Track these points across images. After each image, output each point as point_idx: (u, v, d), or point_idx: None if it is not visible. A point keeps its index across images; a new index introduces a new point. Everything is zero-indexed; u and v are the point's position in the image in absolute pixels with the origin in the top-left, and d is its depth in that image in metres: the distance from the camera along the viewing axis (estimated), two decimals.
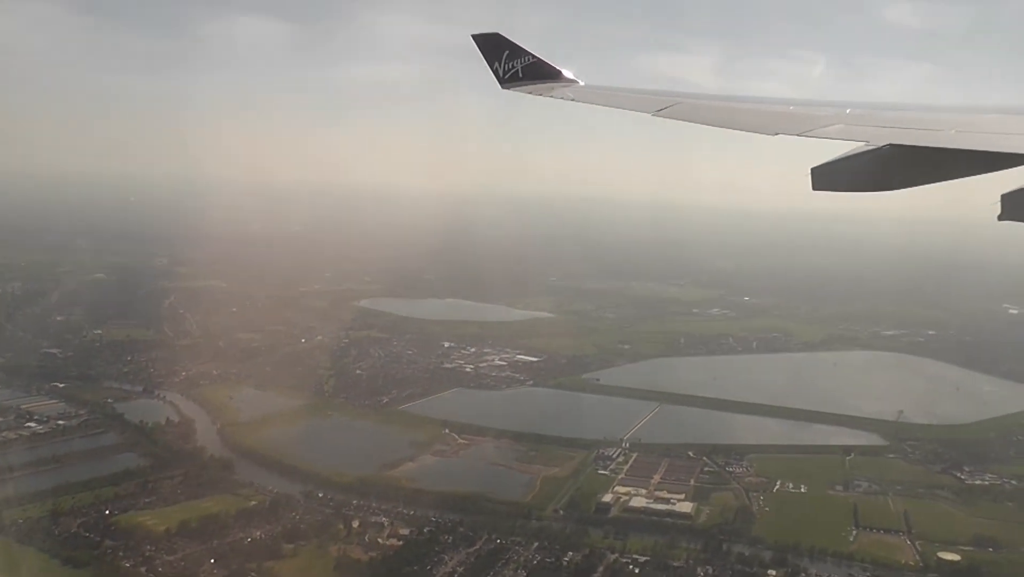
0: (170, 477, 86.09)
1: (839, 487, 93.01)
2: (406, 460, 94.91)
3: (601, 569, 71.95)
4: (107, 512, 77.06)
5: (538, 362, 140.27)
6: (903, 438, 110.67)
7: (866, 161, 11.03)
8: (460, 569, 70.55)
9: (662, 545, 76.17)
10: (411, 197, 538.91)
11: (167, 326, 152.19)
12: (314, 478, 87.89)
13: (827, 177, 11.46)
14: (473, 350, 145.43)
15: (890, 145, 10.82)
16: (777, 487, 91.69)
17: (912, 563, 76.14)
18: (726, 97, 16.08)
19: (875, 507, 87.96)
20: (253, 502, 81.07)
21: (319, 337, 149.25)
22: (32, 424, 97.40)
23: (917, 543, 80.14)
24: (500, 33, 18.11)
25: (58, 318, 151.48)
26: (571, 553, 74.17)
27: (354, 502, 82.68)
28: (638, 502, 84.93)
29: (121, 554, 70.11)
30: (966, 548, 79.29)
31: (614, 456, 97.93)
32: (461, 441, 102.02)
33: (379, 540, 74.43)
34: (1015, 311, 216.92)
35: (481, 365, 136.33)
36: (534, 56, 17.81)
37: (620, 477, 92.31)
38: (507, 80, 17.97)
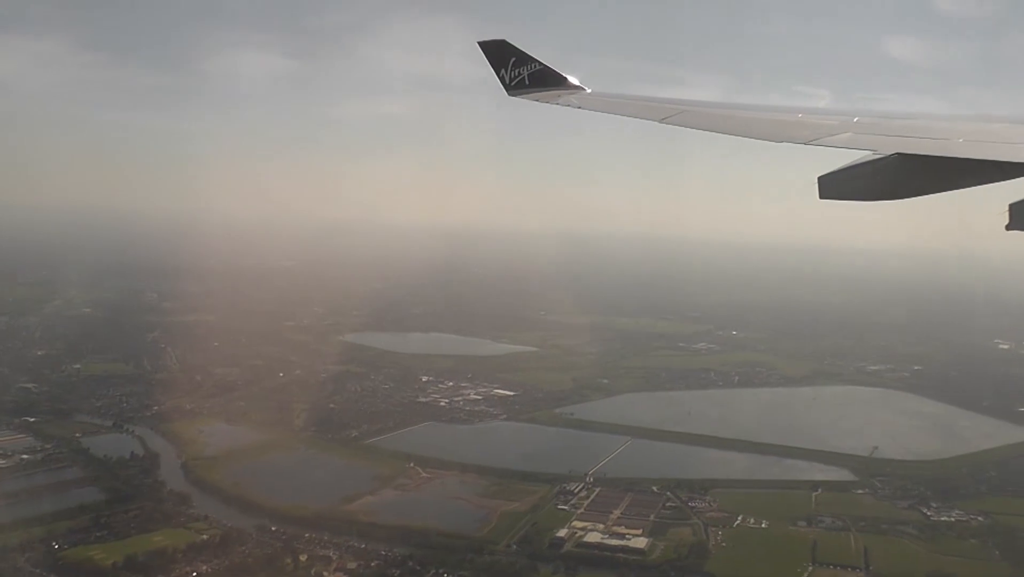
0: (125, 511, 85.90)
1: (802, 523, 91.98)
2: (366, 494, 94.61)
3: None
4: (56, 546, 76.94)
5: (514, 396, 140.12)
6: (873, 474, 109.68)
7: (874, 170, 11.06)
8: None
9: None
10: (410, 231, 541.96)
11: (147, 360, 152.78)
12: (270, 512, 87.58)
13: (834, 186, 11.50)
14: (450, 384, 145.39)
15: (898, 154, 10.83)
16: (738, 522, 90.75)
17: None
18: (733, 105, 16.17)
19: (835, 543, 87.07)
20: (204, 536, 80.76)
21: (297, 372, 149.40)
22: None
23: None
24: (506, 40, 18.17)
25: (38, 352, 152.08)
26: None
27: (306, 536, 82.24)
28: (593, 537, 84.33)
29: None
30: None
31: (576, 491, 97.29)
32: (424, 475, 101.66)
33: (325, 574, 74.18)
34: (1005, 346, 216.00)
35: (456, 399, 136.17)
36: (540, 63, 17.93)
37: (579, 512, 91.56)
38: (513, 87, 18.06)
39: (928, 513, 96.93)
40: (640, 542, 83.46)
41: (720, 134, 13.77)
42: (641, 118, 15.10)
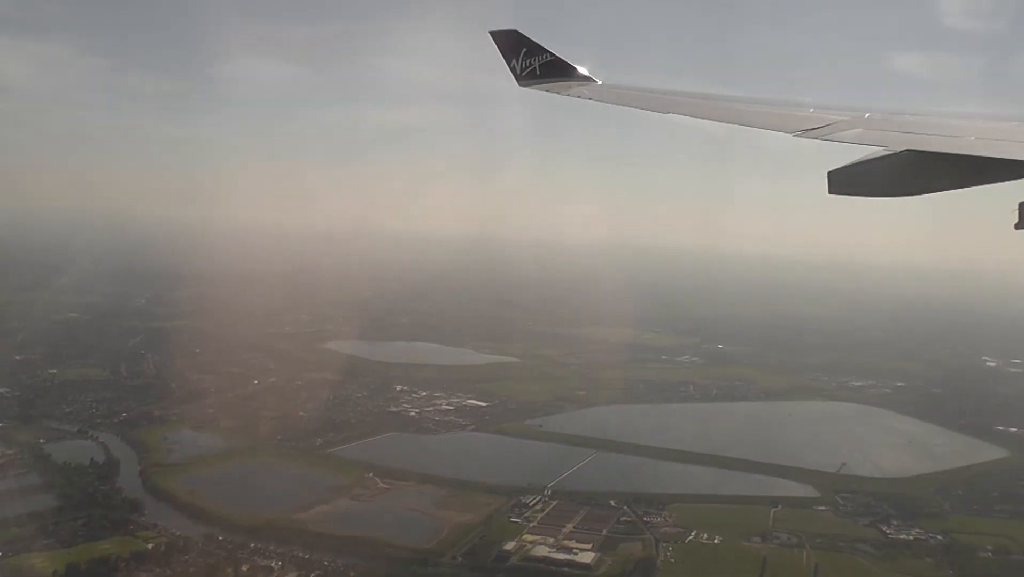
0: (75, 519, 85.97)
1: (756, 539, 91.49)
2: (320, 503, 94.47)
3: None
4: None
5: (486, 407, 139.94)
6: (838, 490, 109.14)
7: (884, 166, 11.03)
8: None
9: None
10: (414, 239, 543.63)
11: (124, 366, 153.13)
12: (221, 521, 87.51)
13: (844, 181, 11.47)
14: (424, 394, 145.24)
15: (909, 150, 10.82)
16: (691, 537, 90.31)
17: None
18: (744, 99, 15.98)
19: (786, 560, 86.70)
20: (150, 545, 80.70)
21: (273, 379, 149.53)
22: None
23: None
24: (518, 30, 18.23)
25: (17, 357, 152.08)
26: None
27: (252, 545, 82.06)
28: (540, 551, 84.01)
29: None
30: None
31: (532, 504, 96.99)
32: (382, 485, 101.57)
33: None
34: (993, 363, 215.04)
35: (427, 409, 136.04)
36: (552, 54, 17.94)
37: (532, 525, 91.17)
38: (524, 77, 18.06)
39: (887, 531, 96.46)
40: (587, 557, 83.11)
41: (733, 125, 13.82)
42: (651, 110, 15.06)
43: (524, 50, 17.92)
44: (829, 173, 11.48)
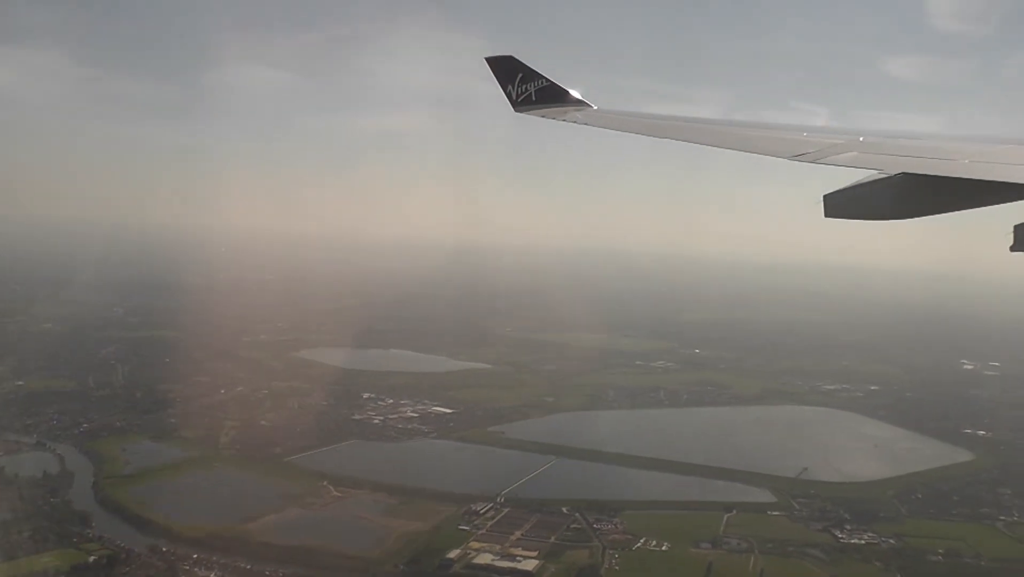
0: (19, 532, 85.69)
1: (706, 544, 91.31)
2: (270, 512, 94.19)
3: None
4: None
5: (451, 414, 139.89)
6: (795, 495, 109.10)
7: (879, 189, 11.14)
8: None
9: None
10: (402, 246, 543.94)
11: (92, 377, 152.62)
12: (167, 532, 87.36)
13: (839, 205, 11.63)
14: (391, 401, 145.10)
15: (903, 174, 10.89)
16: (639, 544, 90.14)
17: None
18: (738, 123, 16.35)
19: (732, 565, 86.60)
20: (92, 557, 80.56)
21: (240, 388, 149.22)
22: None
23: None
24: (514, 56, 18.53)
25: None
26: None
27: (194, 556, 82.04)
28: (484, 559, 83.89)
29: None
30: None
31: (483, 512, 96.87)
32: (336, 493, 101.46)
33: None
34: (970, 366, 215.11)
35: (391, 417, 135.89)
36: (547, 79, 18.22)
37: (480, 533, 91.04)
38: (520, 103, 18.35)
39: (840, 536, 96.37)
40: (530, 565, 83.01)
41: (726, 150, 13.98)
42: (646, 135, 15.30)
43: (520, 76, 18.25)
44: (825, 196, 11.66)
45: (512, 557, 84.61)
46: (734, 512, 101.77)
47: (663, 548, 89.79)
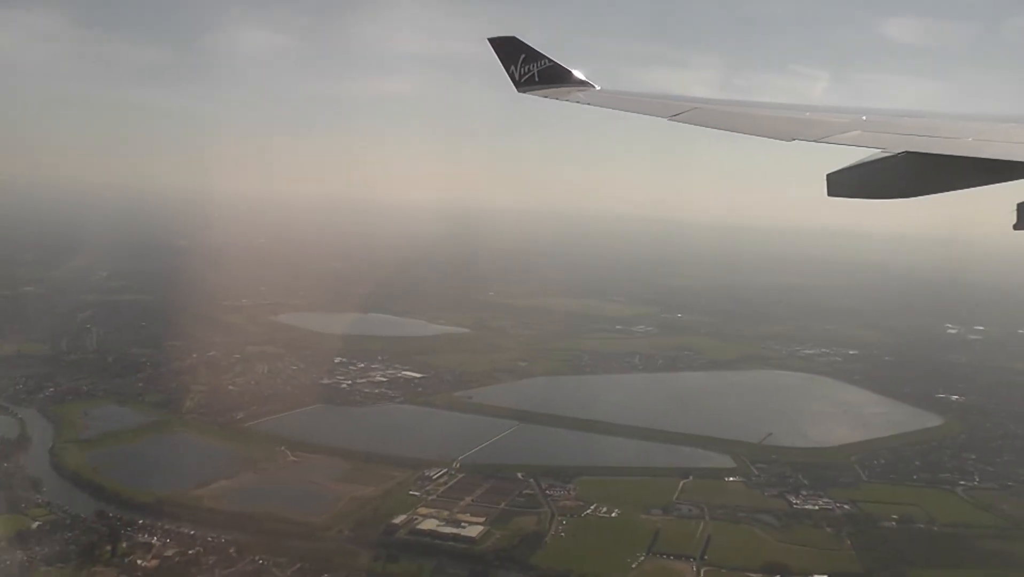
0: None
1: (657, 511, 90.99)
2: (222, 478, 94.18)
3: None
4: None
5: (421, 379, 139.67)
6: (756, 461, 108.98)
7: (882, 168, 11.16)
8: None
9: (427, 570, 75.17)
10: (401, 210, 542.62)
11: (65, 341, 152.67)
12: (117, 497, 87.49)
13: (842, 183, 11.66)
14: (362, 366, 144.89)
15: (907, 152, 10.93)
16: (589, 511, 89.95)
17: None
18: (742, 103, 16.26)
19: (680, 532, 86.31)
20: (37, 523, 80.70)
21: (212, 352, 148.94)
22: None
23: (703, 570, 78.77)
24: (516, 37, 18.50)
25: None
26: (326, 575, 73.44)
27: (139, 521, 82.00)
28: (428, 525, 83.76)
29: None
30: (752, 574, 78.03)
31: (436, 477, 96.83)
32: (292, 459, 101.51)
33: (139, 561, 73.97)
34: (954, 330, 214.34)
35: (360, 381, 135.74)
36: (550, 60, 18.28)
37: (430, 499, 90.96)
38: (523, 84, 18.41)
39: (794, 501, 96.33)
40: (474, 531, 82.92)
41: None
42: (650, 115, 15.35)
43: (522, 56, 18.26)
44: (828, 175, 11.67)
45: (458, 523, 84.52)
46: (690, 478, 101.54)
47: (612, 514, 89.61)
